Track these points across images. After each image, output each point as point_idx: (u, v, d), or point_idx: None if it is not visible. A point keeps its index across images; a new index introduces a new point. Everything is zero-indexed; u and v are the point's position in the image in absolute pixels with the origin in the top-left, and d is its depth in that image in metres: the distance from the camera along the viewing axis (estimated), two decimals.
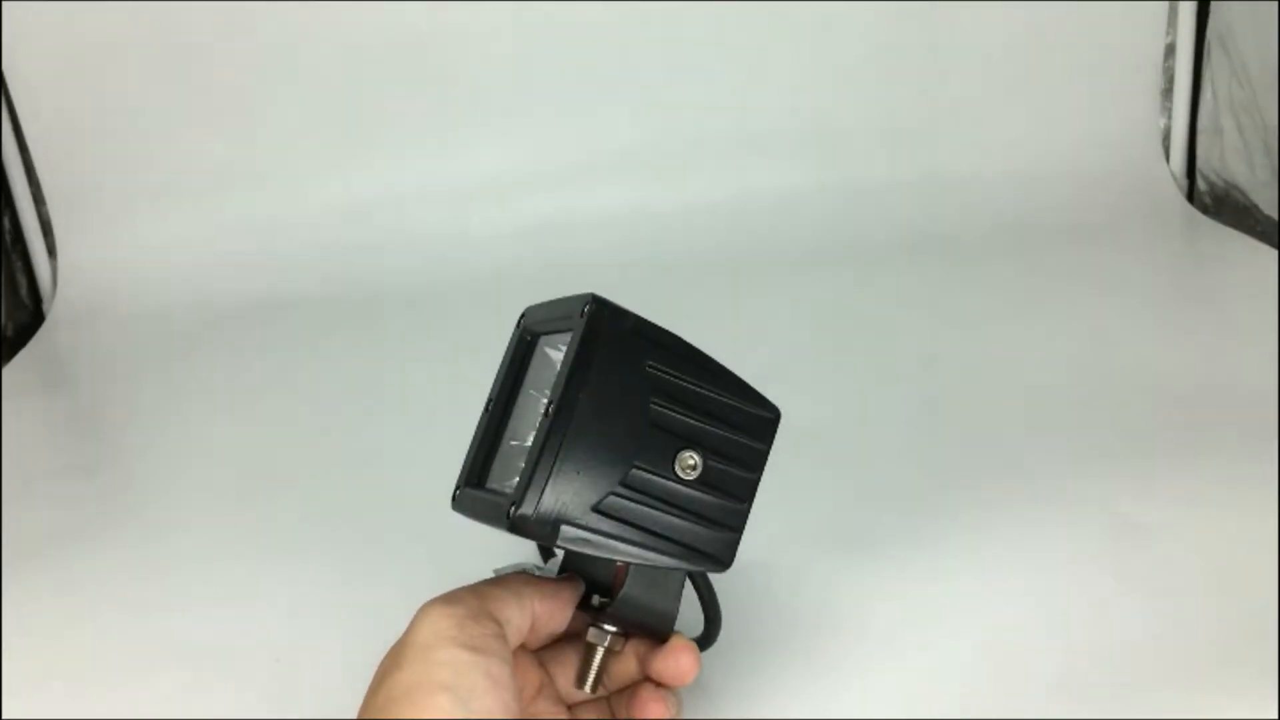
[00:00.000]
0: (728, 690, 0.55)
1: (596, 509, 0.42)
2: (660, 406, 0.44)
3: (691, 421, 0.44)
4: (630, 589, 0.45)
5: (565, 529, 0.42)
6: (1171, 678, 0.54)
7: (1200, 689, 0.53)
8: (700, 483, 0.44)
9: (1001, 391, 0.85)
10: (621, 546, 0.43)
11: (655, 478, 0.43)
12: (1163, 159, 1.27)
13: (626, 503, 0.43)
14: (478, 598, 0.42)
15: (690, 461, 0.44)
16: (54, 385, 1.06)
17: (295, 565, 0.69)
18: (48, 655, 0.63)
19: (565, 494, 0.42)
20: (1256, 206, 1.16)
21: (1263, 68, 1.13)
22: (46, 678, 0.61)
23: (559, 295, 0.47)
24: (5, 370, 1.05)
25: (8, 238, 1.18)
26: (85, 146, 1.19)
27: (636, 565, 0.45)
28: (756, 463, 0.46)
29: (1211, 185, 1.24)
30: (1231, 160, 1.20)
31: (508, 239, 1.19)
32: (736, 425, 0.45)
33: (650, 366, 0.44)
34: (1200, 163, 1.26)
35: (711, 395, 0.45)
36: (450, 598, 0.42)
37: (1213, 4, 1.22)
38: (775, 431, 0.46)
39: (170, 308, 1.14)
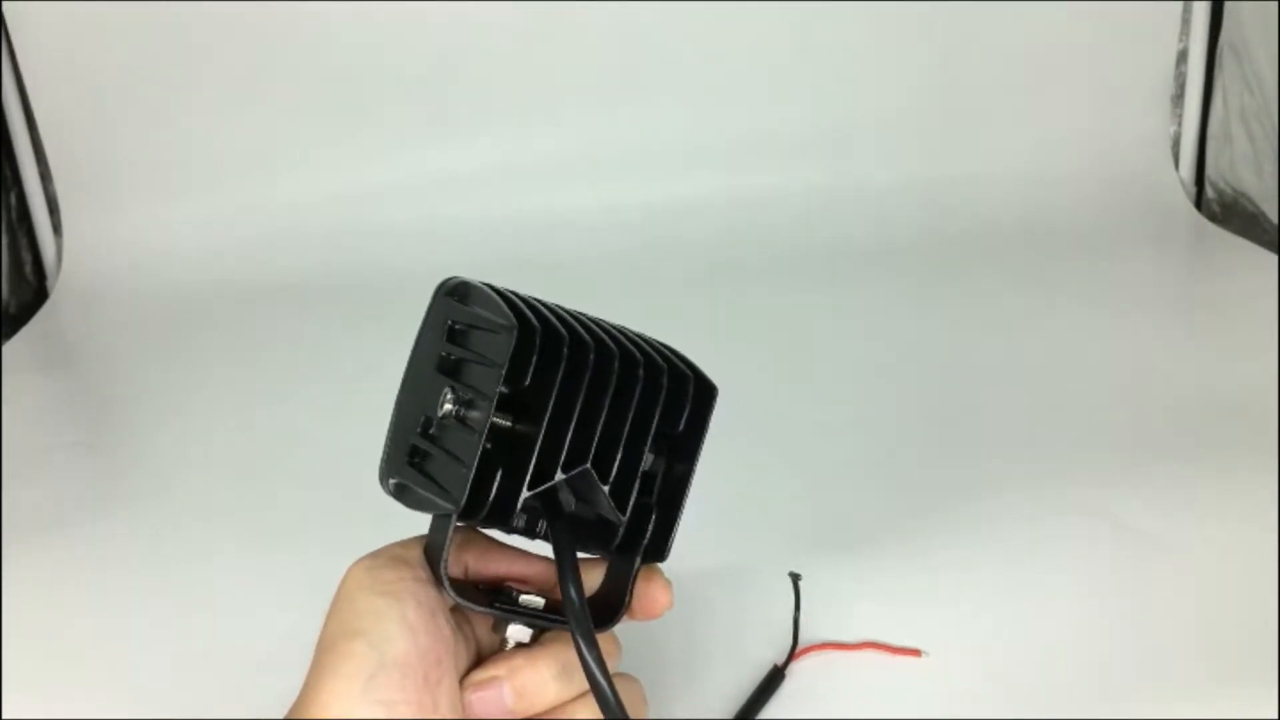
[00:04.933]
0: (713, 692, 0.55)
1: (409, 462, 0.42)
2: (445, 353, 0.42)
3: (455, 357, 0.42)
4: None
5: (393, 485, 0.43)
6: (1170, 684, 0.54)
7: (1200, 697, 0.53)
8: (458, 416, 0.41)
9: (1003, 396, 0.85)
10: (419, 493, 0.42)
11: (439, 421, 0.41)
12: (1172, 166, 1.26)
13: (428, 448, 0.42)
14: (399, 546, 0.43)
15: (450, 395, 0.41)
16: (55, 363, 1.06)
17: (295, 549, 0.69)
18: (44, 635, 0.63)
19: (390, 452, 0.43)
20: (1264, 214, 1.16)
21: (1275, 75, 1.12)
22: (42, 658, 0.61)
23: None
24: (7, 347, 1.06)
25: (13, 214, 1.18)
26: (94, 126, 1.19)
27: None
28: (489, 385, 0.39)
29: (1220, 193, 1.24)
30: (1241, 168, 1.20)
31: (511, 231, 1.19)
32: (480, 351, 0.41)
33: (453, 321, 0.42)
34: (1209, 170, 1.26)
35: (473, 327, 0.42)
36: (374, 551, 0.43)
37: (1226, 11, 1.21)
38: (511, 346, 0.39)
39: (173, 289, 1.14)
